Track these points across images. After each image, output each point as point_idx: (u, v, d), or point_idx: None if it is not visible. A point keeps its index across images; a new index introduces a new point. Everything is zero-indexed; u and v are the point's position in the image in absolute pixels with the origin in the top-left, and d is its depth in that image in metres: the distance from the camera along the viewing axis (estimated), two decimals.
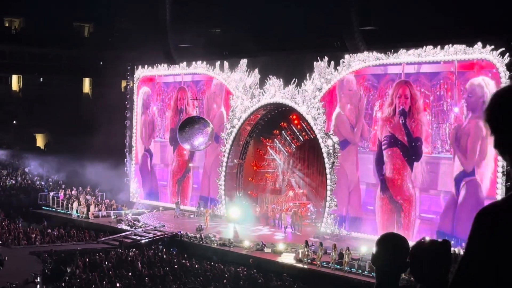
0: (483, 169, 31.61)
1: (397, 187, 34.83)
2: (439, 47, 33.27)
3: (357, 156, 36.75)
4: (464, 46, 32.35)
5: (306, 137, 42.55)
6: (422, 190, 33.89)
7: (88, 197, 48.04)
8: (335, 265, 30.92)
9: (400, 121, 34.55)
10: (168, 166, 48.90)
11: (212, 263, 32.70)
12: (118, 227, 41.89)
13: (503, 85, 30.51)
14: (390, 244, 4.00)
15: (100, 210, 46.12)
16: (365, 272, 29.78)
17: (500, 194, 30.54)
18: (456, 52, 32.69)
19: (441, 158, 33.26)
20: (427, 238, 3.67)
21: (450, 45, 32.74)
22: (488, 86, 31.42)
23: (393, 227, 33.64)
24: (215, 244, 36.35)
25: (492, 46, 31.22)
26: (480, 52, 31.81)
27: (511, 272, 2.43)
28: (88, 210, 45.38)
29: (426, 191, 33.78)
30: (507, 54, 30.76)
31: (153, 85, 50.02)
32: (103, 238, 39.01)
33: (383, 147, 35.33)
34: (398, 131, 34.66)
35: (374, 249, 4.02)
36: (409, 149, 34.20)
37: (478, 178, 31.72)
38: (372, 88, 36.16)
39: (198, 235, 37.56)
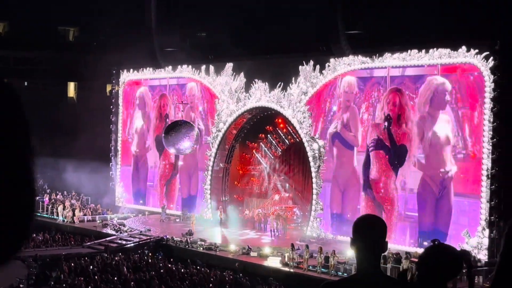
0: (463, 168, 31.90)
1: (380, 188, 35.02)
2: (423, 51, 33.48)
3: (354, 157, 36.74)
4: (448, 50, 32.56)
5: (292, 140, 42.61)
6: (405, 190, 34.06)
7: (73, 201, 47.85)
8: (321, 269, 30.96)
9: (384, 126, 34.72)
10: (155, 168, 48.80)
11: (198, 267, 32.64)
12: (104, 231, 41.73)
13: (487, 88, 30.77)
14: (368, 225, 4.00)
15: (85, 215, 45.94)
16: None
17: (484, 197, 30.75)
18: (440, 56, 32.88)
19: (423, 158, 33.54)
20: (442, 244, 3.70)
21: (435, 49, 32.95)
22: (445, 84, 32.44)
23: None
24: (201, 248, 36.28)
25: (477, 50, 31.43)
26: (464, 56, 32.01)
27: None
28: (73, 214, 45.19)
29: (410, 191, 33.93)
30: (491, 58, 30.98)
31: (142, 88, 49.99)
32: (89, 243, 38.87)
33: (369, 149, 35.48)
34: (384, 136, 34.83)
35: (353, 233, 4.02)
36: (393, 155, 34.39)
37: (455, 177, 32.03)
38: (358, 91, 36.32)
39: (184, 239, 37.49)
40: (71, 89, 70.68)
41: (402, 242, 33.54)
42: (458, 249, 3.83)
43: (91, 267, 31.85)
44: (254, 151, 44.96)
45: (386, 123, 34.70)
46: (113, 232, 41.16)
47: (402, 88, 34.33)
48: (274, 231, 39.53)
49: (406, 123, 33.97)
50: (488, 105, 30.89)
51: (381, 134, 35.02)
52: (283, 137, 43.37)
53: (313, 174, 38.13)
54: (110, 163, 51.30)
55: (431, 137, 33.04)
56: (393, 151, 34.38)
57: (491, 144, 30.84)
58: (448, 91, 32.36)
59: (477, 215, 31.06)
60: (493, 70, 30.90)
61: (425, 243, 32.11)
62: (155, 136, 48.22)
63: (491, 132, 30.86)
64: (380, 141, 35.04)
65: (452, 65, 32.47)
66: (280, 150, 43.98)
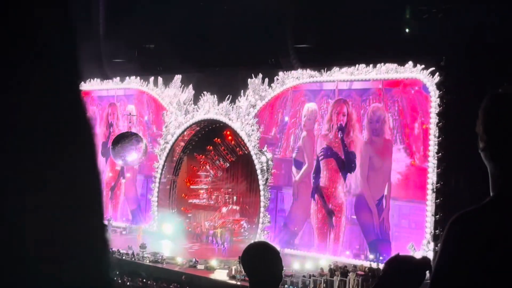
0: (404, 175, 32.44)
1: (330, 194, 35.37)
2: (371, 65, 33.89)
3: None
4: (395, 65, 33.04)
5: (240, 152, 42.55)
6: (352, 194, 34.52)
7: None
8: None
9: (339, 136, 35.01)
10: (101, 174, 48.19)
11: (144, 280, 32.34)
12: None
13: (433, 103, 31.28)
14: (263, 253, 3.93)
15: None
16: None
17: (430, 211, 31.10)
18: (388, 71, 33.36)
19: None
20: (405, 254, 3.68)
21: (382, 63, 33.39)
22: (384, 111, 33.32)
23: (327, 229, 34.87)
24: (147, 261, 35.95)
25: (423, 66, 31.96)
26: (411, 71, 32.54)
27: (478, 279, 2.51)
28: None
29: (355, 195, 34.44)
30: (437, 73, 31.52)
31: (87, 99, 49.46)
32: None
33: (319, 158, 35.69)
34: (335, 145, 35.22)
35: (242, 262, 3.93)
36: (344, 162, 34.80)
37: (397, 182, 32.67)
38: (308, 103, 36.52)
39: (130, 252, 37.10)
40: None
41: (352, 255, 33.82)
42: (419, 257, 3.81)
43: None
44: (202, 163, 44.82)
45: (340, 133, 34.97)
46: None
47: (349, 100, 34.78)
48: (221, 244, 39.42)
49: (353, 131, 34.48)
50: (433, 120, 31.41)
51: (330, 143, 35.33)
52: (231, 149, 43.31)
53: (261, 187, 38.16)
54: None
55: (373, 146, 33.84)
56: (344, 158, 34.85)
57: (436, 158, 31.33)
58: (386, 116, 33.20)
59: (420, 218, 31.56)
60: (438, 86, 31.46)
61: (371, 256, 32.51)
62: (101, 143, 47.80)
63: (436, 147, 31.36)
64: (329, 149, 35.38)
65: (396, 80, 33.03)
66: (228, 162, 43.91)
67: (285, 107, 37.67)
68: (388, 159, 33.03)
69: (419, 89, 32.36)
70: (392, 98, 33.30)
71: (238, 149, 42.69)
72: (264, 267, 3.90)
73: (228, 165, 44.02)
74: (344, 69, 34.97)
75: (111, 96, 47.94)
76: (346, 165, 34.76)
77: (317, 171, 36.04)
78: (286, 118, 37.68)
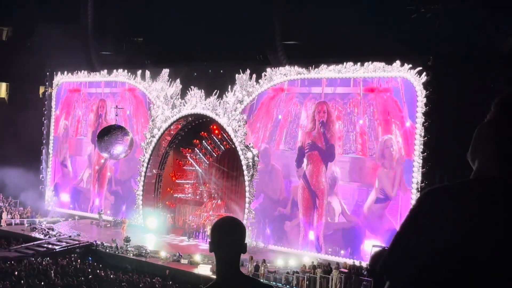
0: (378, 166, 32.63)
1: (314, 180, 36.10)
2: (359, 63, 34.02)
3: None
4: (383, 64, 33.19)
5: (227, 146, 42.47)
6: (333, 181, 35.55)
7: (1, 204, 46.79)
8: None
9: (320, 131, 35.51)
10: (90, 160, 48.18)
11: (128, 274, 32.29)
12: (32, 235, 40.92)
13: (419, 103, 31.44)
14: (228, 227, 4.01)
15: (13, 218, 44.97)
16: (281, 284, 29.96)
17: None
18: (375, 70, 33.55)
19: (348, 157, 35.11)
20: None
21: (370, 62, 33.55)
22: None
23: (312, 209, 35.87)
24: (131, 254, 35.92)
25: (410, 65, 32.11)
26: (398, 70, 32.71)
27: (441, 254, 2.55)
28: (0, 217, 44.20)
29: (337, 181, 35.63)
30: (424, 73, 31.66)
31: (78, 94, 49.24)
32: (16, 247, 38.03)
33: (305, 151, 36.27)
34: (317, 139, 36.12)
35: (210, 236, 4.03)
36: (325, 152, 35.64)
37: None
38: (299, 104, 36.70)
39: (114, 245, 37.03)
40: (3, 90, 69.22)
41: (335, 253, 34.08)
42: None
43: (16, 272, 31.13)
44: (188, 157, 44.74)
45: (321, 128, 35.56)
46: (42, 236, 40.40)
47: (332, 102, 35.25)
48: (207, 238, 39.53)
49: (333, 125, 35.40)
50: (420, 119, 31.59)
51: (314, 139, 35.89)
52: (218, 142, 43.23)
53: (246, 183, 38.20)
54: (41, 166, 50.41)
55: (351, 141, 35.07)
56: (325, 150, 35.76)
57: (421, 158, 31.51)
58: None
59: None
60: (425, 86, 31.61)
61: (374, 248, 32.72)
62: (91, 132, 47.65)
63: (422, 146, 31.53)
64: (313, 144, 36.15)
65: (371, 86, 34.02)
66: (215, 155, 43.85)
67: (279, 106, 37.86)
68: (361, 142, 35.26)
69: (390, 95, 33.58)
70: (368, 102, 34.39)
71: (225, 142, 42.61)
72: (233, 240, 4.00)
73: (214, 158, 43.89)
74: (332, 66, 35.11)
75: (99, 89, 47.77)
76: (327, 156, 35.31)
77: (300, 159, 36.42)
78: (280, 116, 37.69)
